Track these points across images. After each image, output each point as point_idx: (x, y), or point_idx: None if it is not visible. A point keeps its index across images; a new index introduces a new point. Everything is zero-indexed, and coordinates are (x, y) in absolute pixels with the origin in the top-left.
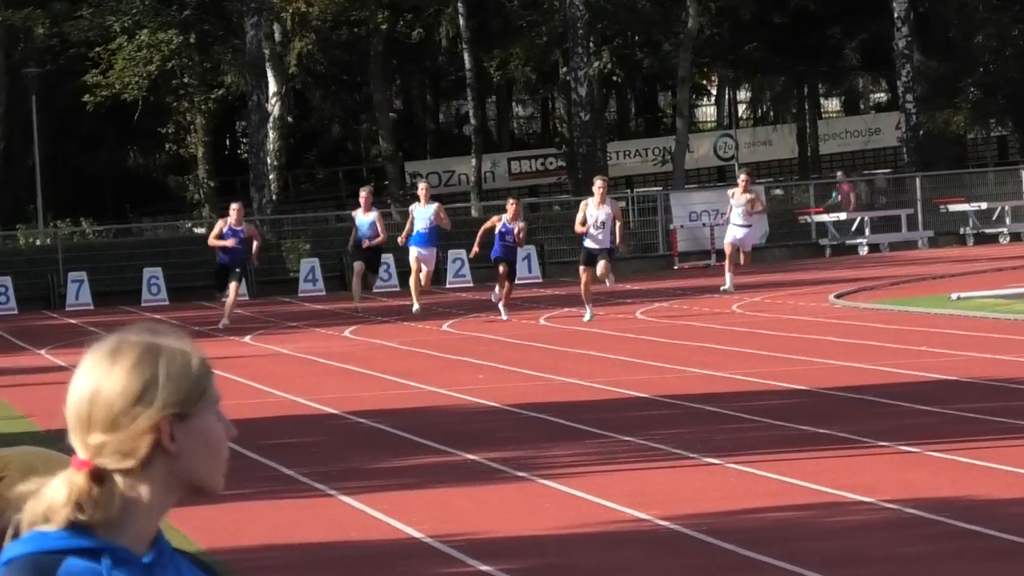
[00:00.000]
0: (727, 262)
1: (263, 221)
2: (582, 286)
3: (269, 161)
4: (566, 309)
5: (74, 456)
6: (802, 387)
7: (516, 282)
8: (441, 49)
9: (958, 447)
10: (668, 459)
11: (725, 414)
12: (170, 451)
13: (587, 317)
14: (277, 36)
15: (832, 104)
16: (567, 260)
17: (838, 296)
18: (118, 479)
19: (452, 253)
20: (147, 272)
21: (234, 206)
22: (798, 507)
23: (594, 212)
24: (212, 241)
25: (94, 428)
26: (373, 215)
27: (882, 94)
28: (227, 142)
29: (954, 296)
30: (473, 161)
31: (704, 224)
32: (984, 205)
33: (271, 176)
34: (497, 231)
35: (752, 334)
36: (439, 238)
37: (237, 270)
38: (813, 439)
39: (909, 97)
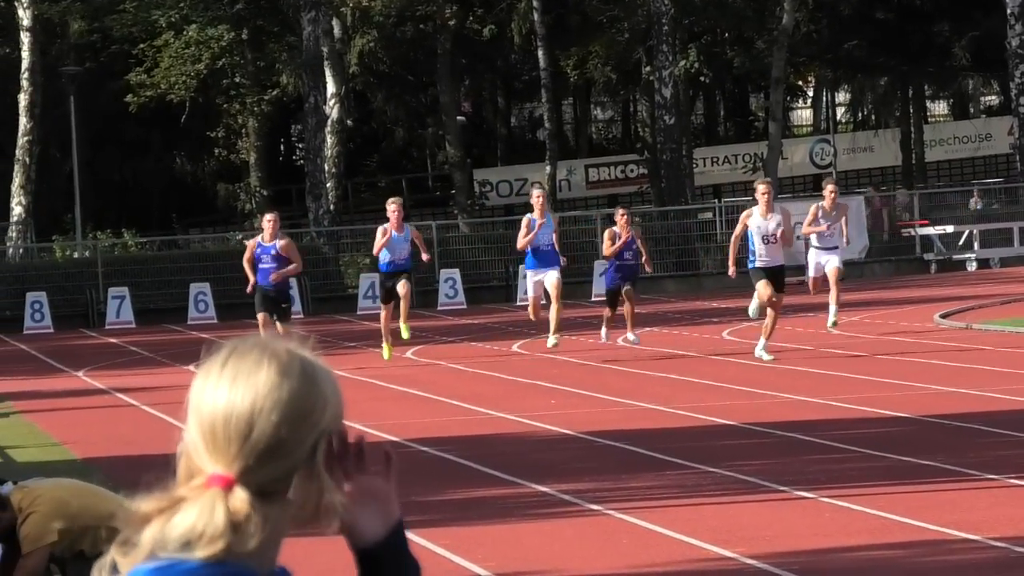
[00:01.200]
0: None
1: (319, 233)
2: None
3: (327, 168)
4: (648, 328)
5: (213, 476)
6: (903, 414)
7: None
8: (514, 47)
9: None
10: (756, 492)
11: (819, 443)
12: (321, 481)
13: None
14: (336, 33)
15: (939, 107)
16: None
17: (944, 315)
18: (268, 504)
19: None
20: (194, 288)
21: (267, 217)
22: (898, 545)
23: (761, 222)
24: (246, 265)
25: (247, 449)
26: (408, 231)
27: (993, 97)
28: (281, 148)
29: None
30: (548, 168)
31: (799, 237)
32: None
33: (329, 184)
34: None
35: (849, 357)
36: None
37: (283, 305)
38: (915, 471)
39: (1023, 100)
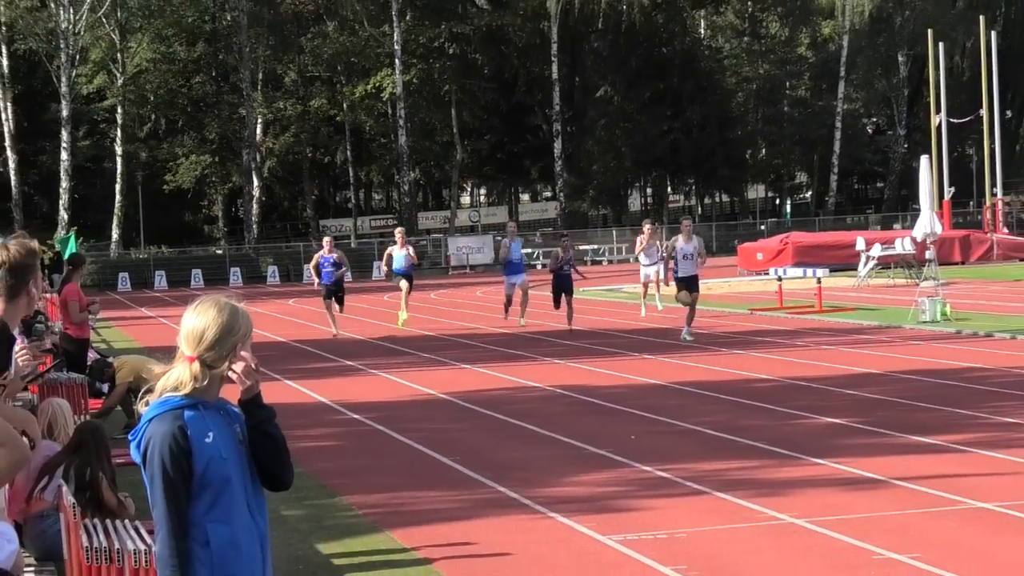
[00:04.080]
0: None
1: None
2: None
3: (254, 218)
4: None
5: (187, 356)
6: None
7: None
8: None
9: None
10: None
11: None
12: (232, 362)
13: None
14: (258, 159)
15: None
16: None
17: None
18: (210, 370)
19: None
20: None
21: (326, 239)
22: None
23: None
24: (311, 270)
25: (203, 344)
26: (408, 249)
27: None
28: (232, 209)
29: None
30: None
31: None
32: None
33: (254, 226)
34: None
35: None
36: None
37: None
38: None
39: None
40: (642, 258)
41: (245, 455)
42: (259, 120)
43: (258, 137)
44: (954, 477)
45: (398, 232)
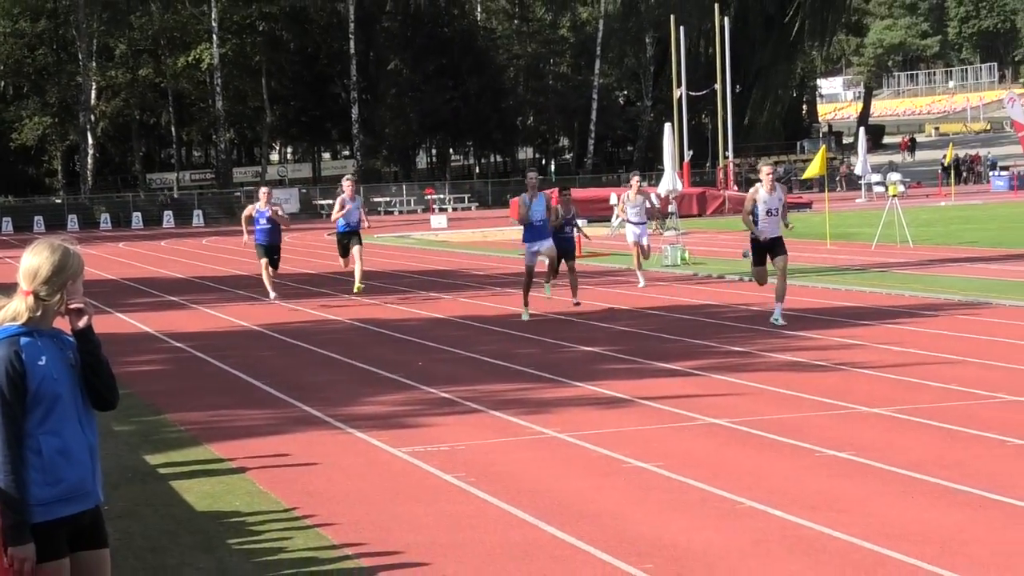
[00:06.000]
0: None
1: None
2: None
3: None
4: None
5: (24, 290)
6: None
7: None
8: None
9: None
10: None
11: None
12: (63, 296)
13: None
14: (92, 120)
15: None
16: None
17: None
18: (44, 303)
19: None
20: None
21: (263, 190)
22: None
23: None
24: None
25: (37, 280)
26: (359, 200)
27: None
28: (70, 164)
29: None
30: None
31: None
32: None
33: (89, 179)
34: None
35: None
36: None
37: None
38: None
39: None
40: (630, 214)
41: (76, 377)
42: (94, 87)
43: (92, 101)
44: (691, 397)
45: (348, 183)
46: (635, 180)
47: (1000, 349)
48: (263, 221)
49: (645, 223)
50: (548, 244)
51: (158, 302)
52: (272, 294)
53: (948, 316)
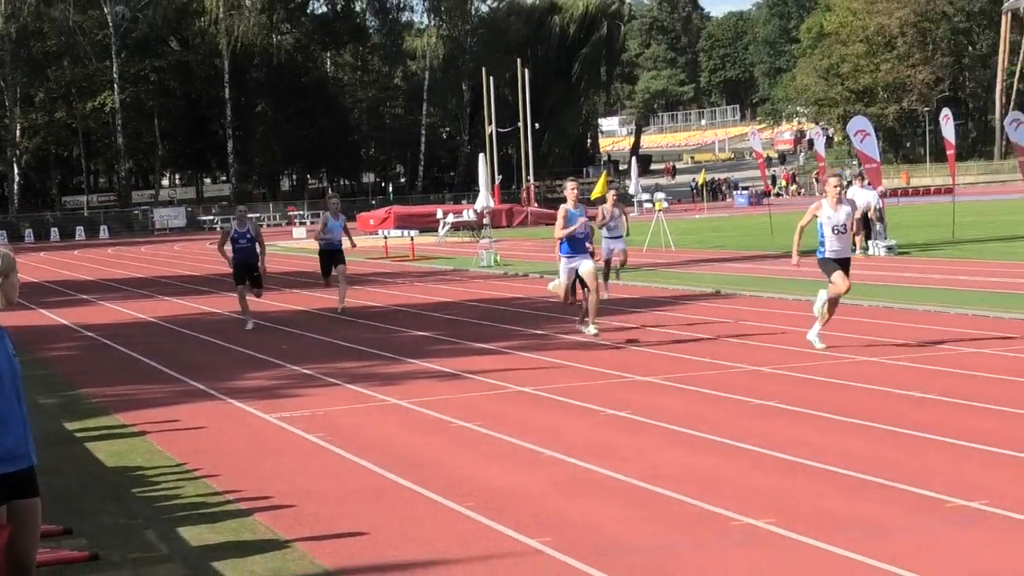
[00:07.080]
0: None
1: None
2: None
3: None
4: None
5: None
6: None
7: None
8: None
9: None
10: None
11: None
12: (2, 288)
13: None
14: (17, 154)
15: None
16: None
17: None
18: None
19: None
20: None
21: (240, 208)
22: None
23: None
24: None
25: None
26: (343, 218)
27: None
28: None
29: None
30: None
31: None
32: None
33: (16, 201)
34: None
35: None
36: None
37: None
38: None
39: None
40: (604, 231)
41: (14, 361)
42: (19, 127)
43: (18, 139)
44: (504, 371)
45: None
46: (611, 195)
47: (744, 329)
48: (243, 241)
49: (620, 236)
50: (586, 262)
51: (72, 299)
52: (250, 324)
53: (704, 304)
